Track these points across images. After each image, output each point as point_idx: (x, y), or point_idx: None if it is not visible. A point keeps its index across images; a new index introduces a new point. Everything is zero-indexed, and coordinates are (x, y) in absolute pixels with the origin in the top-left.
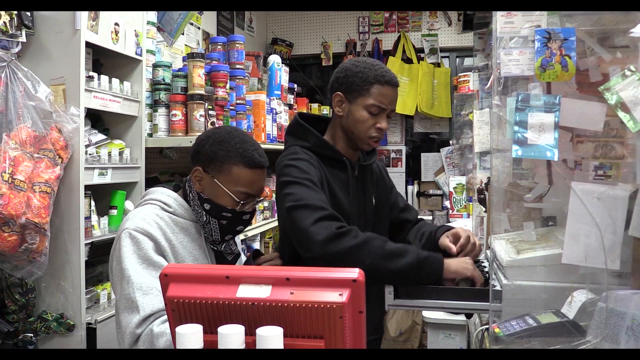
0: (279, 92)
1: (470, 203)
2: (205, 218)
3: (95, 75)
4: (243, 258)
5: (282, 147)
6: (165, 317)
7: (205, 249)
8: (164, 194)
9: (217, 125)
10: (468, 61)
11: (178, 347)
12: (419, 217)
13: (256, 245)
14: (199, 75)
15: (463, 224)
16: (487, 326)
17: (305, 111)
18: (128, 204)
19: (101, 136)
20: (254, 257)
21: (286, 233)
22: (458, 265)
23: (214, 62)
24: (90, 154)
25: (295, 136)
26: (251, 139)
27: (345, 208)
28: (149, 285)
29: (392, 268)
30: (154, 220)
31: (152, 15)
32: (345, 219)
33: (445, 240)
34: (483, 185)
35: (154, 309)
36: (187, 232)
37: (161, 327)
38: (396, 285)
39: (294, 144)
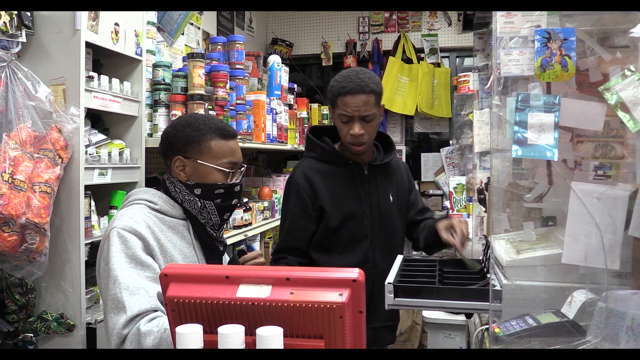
0: (279, 92)
1: (470, 203)
2: (199, 204)
3: (95, 75)
4: (227, 257)
5: (282, 147)
6: (152, 315)
7: (195, 246)
8: (149, 192)
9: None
10: (468, 61)
11: (178, 347)
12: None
13: (256, 245)
14: (199, 75)
15: None
16: (487, 326)
17: (305, 111)
18: None
19: (101, 136)
20: (239, 256)
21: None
22: None
23: (214, 62)
24: (90, 154)
25: (307, 149)
26: (213, 116)
27: (349, 206)
28: (137, 285)
29: None
30: (143, 219)
31: (152, 15)
32: (351, 216)
33: (449, 237)
34: (483, 185)
35: (141, 309)
36: (175, 230)
37: (148, 325)
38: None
39: (306, 155)
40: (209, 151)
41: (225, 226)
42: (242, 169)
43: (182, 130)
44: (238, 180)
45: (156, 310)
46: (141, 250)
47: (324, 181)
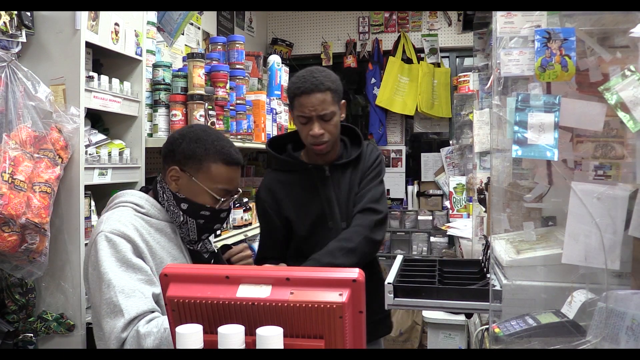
0: (279, 92)
1: (470, 203)
2: (182, 218)
3: (95, 75)
4: None
5: None
6: (150, 317)
7: (183, 248)
8: (135, 195)
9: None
10: (468, 61)
11: (178, 347)
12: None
13: (255, 245)
14: (199, 75)
15: (463, 224)
16: (487, 326)
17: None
18: None
19: (101, 136)
20: (223, 252)
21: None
22: None
23: (214, 62)
24: (90, 154)
25: (269, 161)
26: (225, 137)
27: (315, 211)
28: (131, 287)
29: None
30: (130, 222)
31: (152, 15)
32: (318, 221)
33: None
34: (483, 185)
35: (139, 312)
36: (163, 232)
37: (147, 327)
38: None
39: (271, 168)
40: (207, 173)
41: (221, 229)
42: (236, 195)
43: (189, 142)
44: (226, 207)
45: (153, 311)
46: (131, 253)
47: (286, 191)
